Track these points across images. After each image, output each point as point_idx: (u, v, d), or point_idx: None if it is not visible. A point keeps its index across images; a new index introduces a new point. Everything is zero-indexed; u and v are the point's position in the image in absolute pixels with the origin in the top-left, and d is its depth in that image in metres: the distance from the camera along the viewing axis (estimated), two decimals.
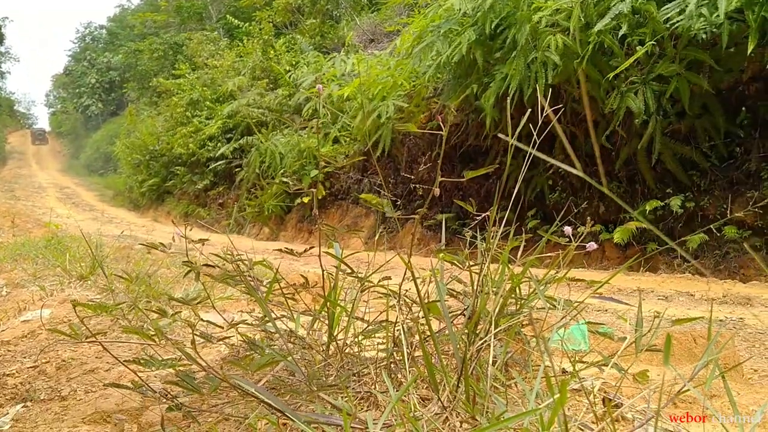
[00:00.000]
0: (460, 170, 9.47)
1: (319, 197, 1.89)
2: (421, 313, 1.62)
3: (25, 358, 3.17)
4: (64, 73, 57.63)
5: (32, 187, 30.37)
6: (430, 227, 9.91)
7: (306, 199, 12.22)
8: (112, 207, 23.12)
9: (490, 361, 1.33)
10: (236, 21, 19.92)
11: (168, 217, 18.40)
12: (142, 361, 1.50)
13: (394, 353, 1.63)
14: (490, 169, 1.52)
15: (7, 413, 2.37)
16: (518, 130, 1.18)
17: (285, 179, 13.03)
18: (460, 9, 8.45)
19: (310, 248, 1.82)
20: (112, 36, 47.56)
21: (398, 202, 9.95)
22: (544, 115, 1.21)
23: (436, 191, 1.38)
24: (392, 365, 1.65)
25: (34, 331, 3.86)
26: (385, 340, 1.79)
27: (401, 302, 1.59)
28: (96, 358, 2.83)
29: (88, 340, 1.42)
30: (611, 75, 6.98)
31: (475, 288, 1.44)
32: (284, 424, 1.46)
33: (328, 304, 1.79)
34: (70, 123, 54.15)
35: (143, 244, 1.92)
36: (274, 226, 14.07)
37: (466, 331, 1.42)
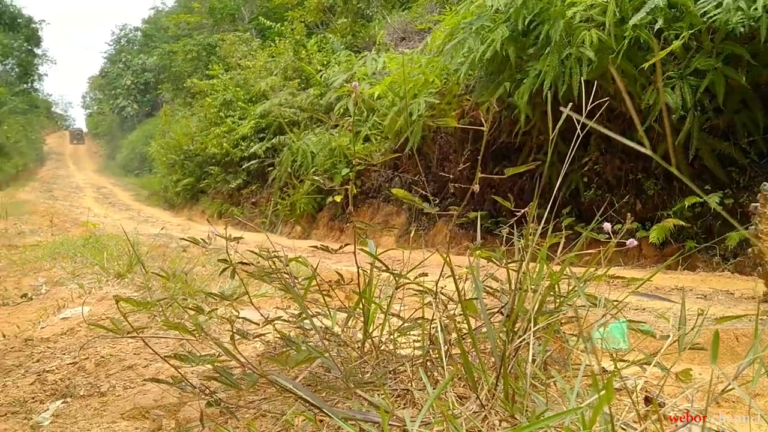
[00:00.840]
0: (492, 168, 9.40)
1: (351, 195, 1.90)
2: (458, 311, 1.61)
3: (64, 354, 3.22)
4: (100, 74, 58.71)
5: (70, 188, 30.98)
6: (462, 225, 9.85)
7: (338, 198, 12.23)
8: (148, 206, 23.45)
9: (530, 359, 1.31)
10: (268, 22, 20.05)
11: (202, 216, 18.61)
12: (181, 357, 1.52)
13: (430, 351, 1.62)
14: (531, 165, 1.51)
15: (48, 409, 2.42)
16: (558, 126, 1.16)
17: (316, 177, 13.08)
18: (492, 5, 8.39)
19: (345, 245, 1.82)
20: (146, 38, 48.28)
21: (430, 200, 9.91)
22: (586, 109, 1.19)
23: (476, 188, 1.37)
24: (428, 363, 1.65)
25: (73, 328, 3.93)
26: (420, 338, 1.79)
27: (438, 299, 1.58)
28: (134, 354, 2.88)
29: (129, 335, 1.44)
30: (645, 65, 6.86)
31: (513, 285, 1.43)
32: (321, 421, 1.46)
33: (363, 300, 1.79)
34: (106, 124, 55.09)
35: (184, 239, 1.94)
36: (306, 224, 14.14)
37: (505, 328, 1.41)
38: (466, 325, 1.55)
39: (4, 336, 4.30)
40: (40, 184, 32.24)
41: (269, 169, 15.94)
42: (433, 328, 1.59)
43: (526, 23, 7.96)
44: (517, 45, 8.24)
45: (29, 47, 49.64)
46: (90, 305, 4.22)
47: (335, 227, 13.36)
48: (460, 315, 1.60)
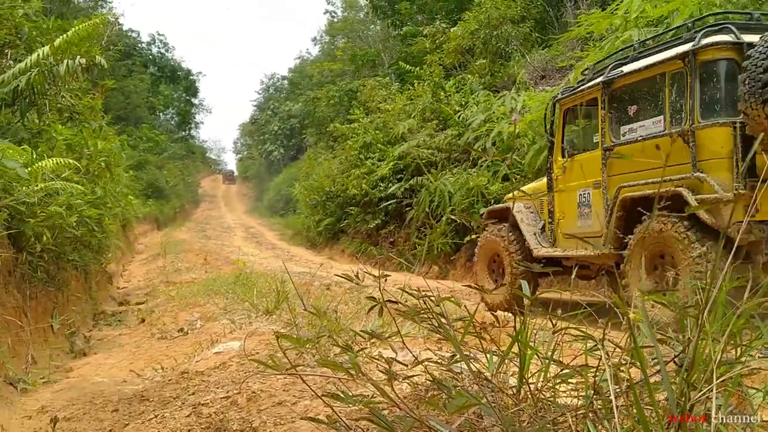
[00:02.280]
0: None
1: None
2: (623, 358, 1.49)
3: (217, 388, 3.34)
4: (250, 121, 62.65)
5: (221, 227, 32.98)
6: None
7: (474, 237, 12.07)
8: (292, 246, 24.39)
9: (714, 413, 1.18)
10: (407, 66, 20.48)
11: (342, 255, 19.08)
12: (336, 396, 1.51)
13: (594, 401, 1.51)
14: (706, 206, 1.38)
15: None
16: (748, 159, 1.05)
17: (453, 217, 13.05)
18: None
19: (500, 285, 1.75)
20: (292, 86, 50.90)
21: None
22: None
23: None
24: (590, 414, 1.53)
25: (225, 362, 4.09)
26: (578, 387, 1.67)
27: (604, 345, 1.47)
28: (283, 390, 2.92)
29: (287, 371, 1.46)
30: None
31: (692, 333, 1.30)
32: None
33: (518, 344, 1.71)
34: (254, 168, 58.47)
35: (340, 276, 1.96)
36: (443, 264, 14.07)
37: (681, 379, 1.28)
38: (634, 375, 1.43)
39: (162, 368, 4.56)
40: (195, 224, 34.60)
41: (407, 209, 16.10)
42: (596, 376, 1.48)
43: None
44: None
45: (187, 97, 53.88)
46: (240, 340, 4.38)
47: (473, 268, 13.17)
48: (627, 363, 1.48)
